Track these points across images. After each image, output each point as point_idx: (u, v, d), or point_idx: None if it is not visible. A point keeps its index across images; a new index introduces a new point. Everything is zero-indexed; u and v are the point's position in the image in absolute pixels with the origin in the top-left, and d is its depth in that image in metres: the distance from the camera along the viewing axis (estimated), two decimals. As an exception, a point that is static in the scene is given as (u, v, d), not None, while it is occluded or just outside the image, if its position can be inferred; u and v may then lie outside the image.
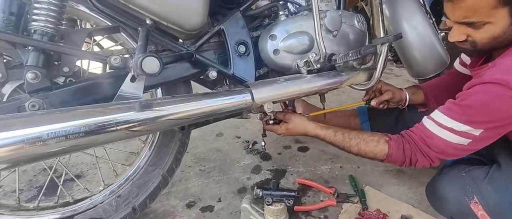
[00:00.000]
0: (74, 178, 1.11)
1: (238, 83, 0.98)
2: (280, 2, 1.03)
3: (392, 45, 1.45)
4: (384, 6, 1.26)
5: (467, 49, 0.85)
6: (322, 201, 1.07)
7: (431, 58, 1.33)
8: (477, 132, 0.79)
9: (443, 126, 0.82)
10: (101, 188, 0.95)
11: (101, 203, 0.92)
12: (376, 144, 0.91)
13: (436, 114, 0.85)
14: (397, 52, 1.42)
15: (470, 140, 0.80)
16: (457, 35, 0.84)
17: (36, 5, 0.71)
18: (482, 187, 0.88)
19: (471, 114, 0.78)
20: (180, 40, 0.96)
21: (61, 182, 0.97)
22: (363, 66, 1.08)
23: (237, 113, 0.96)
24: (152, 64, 0.70)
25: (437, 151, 0.84)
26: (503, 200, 0.85)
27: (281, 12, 1.02)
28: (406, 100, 1.18)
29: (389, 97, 1.15)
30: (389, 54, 1.47)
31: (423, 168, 1.23)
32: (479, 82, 0.78)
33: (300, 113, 1.08)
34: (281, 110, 1.11)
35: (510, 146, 1.00)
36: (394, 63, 1.52)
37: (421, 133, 0.87)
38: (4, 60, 0.74)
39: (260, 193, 0.78)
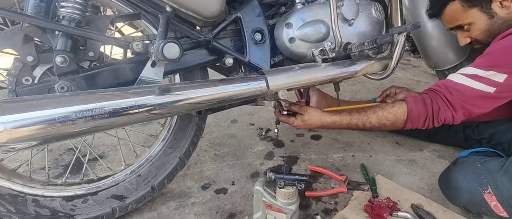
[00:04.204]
0: (98, 158, 1.18)
1: (254, 70, 1.00)
2: (297, -10, 1.04)
3: (410, 35, 1.43)
4: (403, -6, 1.24)
5: (479, 46, 0.95)
6: (333, 187, 1.10)
7: (451, 48, 1.30)
8: (501, 78, 0.81)
9: (467, 75, 0.86)
10: (122, 167, 1.01)
11: (122, 181, 0.98)
12: (392, 105, 0.93)
13: (462, 69, 0.90)
14: (415, 42, 1.40)
15: (495, 88, 0.82)
16: (462, 39, 1.00)
17: (64, -8, 0.75)
18: (497, 178, 0.88)
19: (493, 59, 0.83)
20: (198, 28, 0.99)
21: (86, 161, 1.03)
22: (378, 56, 1.08)
23: (252, 99, 0.98)
24: (173, 50, 0.73)
25: (461, 98, 0.85)
26: None
27: (297, 0, 1.02)
28: None
29: (404, 96, 1.14)
30: (406, 44, 1.45)
31: (435, 159, 1.24)
32: (501, 37, 0.85)
33: (313, 106, 1.09)
34: (296, 100, 1.12)
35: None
36: (412, 54, 1.49)
37: (445, 82, 0.90)
38: (35, 45, 0.78)
39: (273, 177, 0.81)
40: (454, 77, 0.89)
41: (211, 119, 1.63)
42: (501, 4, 0.90)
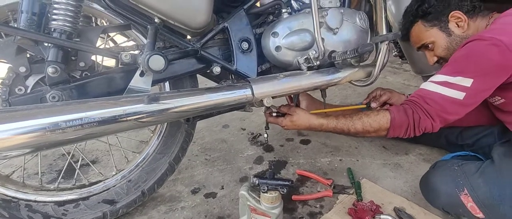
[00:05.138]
0: (90, 163, 1.21)
1: (241, 78, 1.04)
2: (284, 0, 1.07)
3: (397, 41, 1.47)
4: (389, 2, 1.28)
5: (445, 63, 0.97)
6: (319, 191, 1.13)
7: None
8: (468, 83, 0.86)
9: (438, 82, 0.91)
10: (113, 173, 1.04)
11: (113, 186, 1.00)
12: (377, 113, 0.98)
13: (432, 77, 0.95)
14: (401, 48, 1.43)
15: (465, 93, 0.87)
16: (430, 59, 1.08)
17: (55, 5, 0.78)
18: (473, 180, 0.91)
19: (457, 65, 0.89)
20: (188, 37, 1.02)
21: (78, 167, 1.06)
22: (362, 63, 1.11)
23: (239, 106, 1.01)
24: (158, 62, 0.77)
25: (437, 108, 0.90)
26: (492, 193, 0.88)
27: (284, 10, 1.05)
28: None
29: (387, 98, 1.21)
30: (394, 49, 1.49)
31: (420, 163, 1.28)
32: (462, 45, 0.92)
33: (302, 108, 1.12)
34: (286, 104, 1.15)
35: (507, 143, 1.03)
36: (400, 59, 1.53)
37: (419, 92, 0.95)
38: (28, 56, 0.82)
39: (257, 182, 0.84)
40: (427, 86, 0.94)
41: (203, 124, 1.66)
42: (457, 24, 0.99)
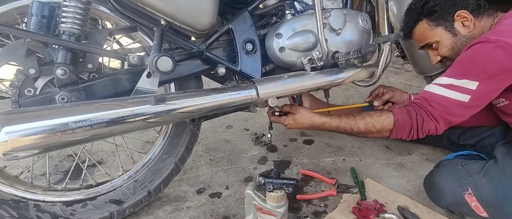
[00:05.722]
0: (96, 164, 1.22)
1: (245, 79, 1.05)
2: (287, 1, 1.08)
3: (399, 41, 1.48)
4: (391, 3, 1.29)
5: (450, 63, 0.97)
6: (323, 191, 1.14)
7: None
8: (473, 86, 0.86)
9: (442, 85, 0.91)
10: (120, 173, 1.05)
11: (120, 186, 1.02)
12: (380, 114, 0.98)
13: (437, 79, 0.94)
14: (403, 48, 1.44)
15: (470, 96, 0.87)
16: (433, 58, 1.07)
17: (64, 8, 0.79)
18: (477, 180, 0.92)
19: (462, 67, 0.89)
20: (193, 39, 1.04)
21: (85, 167, 1.07)
22: (365, 64, 1.12)
23: (244, 107, 1.03)
24: (166, 63, 0.78)
25: (441, 110, 0.90)
26: (496, 192, 0.89)
27: (287, 11, 1.07)
28: (409, 99, 1.21)
29: (390, 96, 1.20)
30: (396, 50, 1.50)
31: (423, 162, 1.29)
32: (467, 47, 0.92)
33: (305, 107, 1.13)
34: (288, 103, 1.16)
35: (510, 143, 1.03)
36: (402, 59, 1.54)
37: (423, 94, 0.95)
38: (37, 58, 0.83)
39: (262, 181, 0.85)
40: (431, 88, 0.93)
41: (207, 124, 1.67)
42: (462, 24, 0.98)
